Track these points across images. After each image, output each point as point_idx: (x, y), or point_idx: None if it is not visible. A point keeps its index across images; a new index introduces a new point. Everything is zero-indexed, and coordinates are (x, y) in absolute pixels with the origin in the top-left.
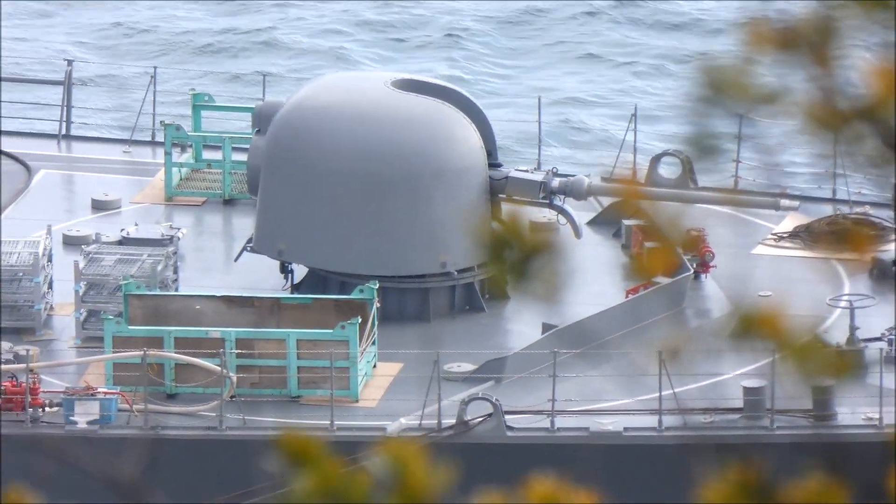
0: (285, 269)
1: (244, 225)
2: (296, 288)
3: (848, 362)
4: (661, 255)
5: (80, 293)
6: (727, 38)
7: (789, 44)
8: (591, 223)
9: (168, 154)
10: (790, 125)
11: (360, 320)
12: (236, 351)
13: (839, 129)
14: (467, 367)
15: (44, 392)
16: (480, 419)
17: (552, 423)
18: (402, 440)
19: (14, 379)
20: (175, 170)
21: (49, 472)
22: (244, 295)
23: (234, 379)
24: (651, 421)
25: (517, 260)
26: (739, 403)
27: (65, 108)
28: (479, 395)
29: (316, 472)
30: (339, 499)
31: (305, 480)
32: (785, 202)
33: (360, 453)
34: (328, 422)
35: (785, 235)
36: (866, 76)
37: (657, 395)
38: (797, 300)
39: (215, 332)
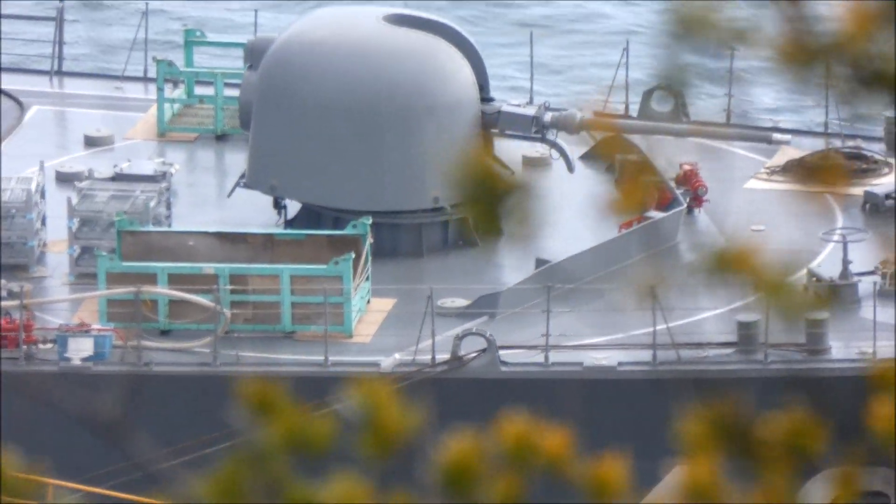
0: (278, 205)
1: (237, 160)
2: (289, 223)
3: (827, 296)
4: (654, 189)
5: (74, 230)
6: None
7: None
8: (584, 157)
9: (160, 90)
10: (765, 61)
11: (353, 256)
12: (230, 287)
13: (811, 66)
14: (461, 302)
15: (38, 329)
16: (474, 354)
17: (546, 357)
18: (372, 380)
19: (8, 316)
20: (167, 106)
21: (41, 410)
22: (237, 231)
23: (228, 315)
24: (644, 356)
25: (496, 198)
26: (733, 338)
27: (57, 45)
28: (473, 331)
29: (280, 420)
30: (304, 447)
31: (269, 429)
32: (777, 136)
33: (330, 395)
34: (322, 357)
35: (777, 169)
36: (838, 11)
37: (650, 329)
38: (790, 234)
39: (209, 268)
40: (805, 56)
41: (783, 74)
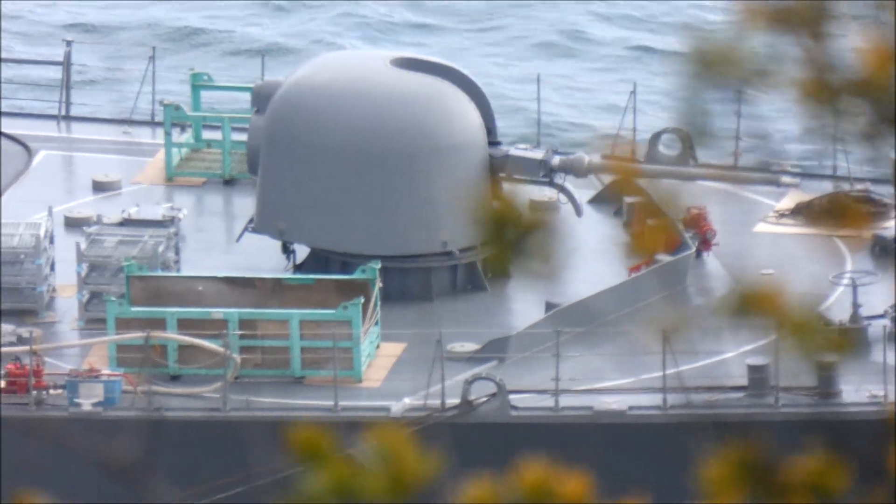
0: (287, 250)
1: (245, 205)
2: (298, 268)
3: (848, 339)
4: (661, 232)
5: (82, 275)
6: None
7: (782, 19)
8: (592, 201)
9: (168, 134)
10: (785, 100)
11: (362, 300)
12: (239, 332)
13: (832, 103)
14: (470, 346)
15: (47, 374)
16: (484, 399)
17: (556, 402)
18: (390, 425)
19: (17, 362)
20: (175, 150)
21: (51, 456)
22: (246, 276)
23: (238, 360)
24: (655, 400)
25: (515, 238)
26: (744, 381)
27: (64, 89)
28: (483, 375)
29: (328, 469)
30: (351, 496)
31: (318, 476)
32: (786, 179)
33: (348, 441)
34: (332, 403)
35: (786, 213)
36: (860, 50)
37: (661, 373)
38: (799, 278)
39: (218, 312)
40: (827, 93)
41: (804, 112)
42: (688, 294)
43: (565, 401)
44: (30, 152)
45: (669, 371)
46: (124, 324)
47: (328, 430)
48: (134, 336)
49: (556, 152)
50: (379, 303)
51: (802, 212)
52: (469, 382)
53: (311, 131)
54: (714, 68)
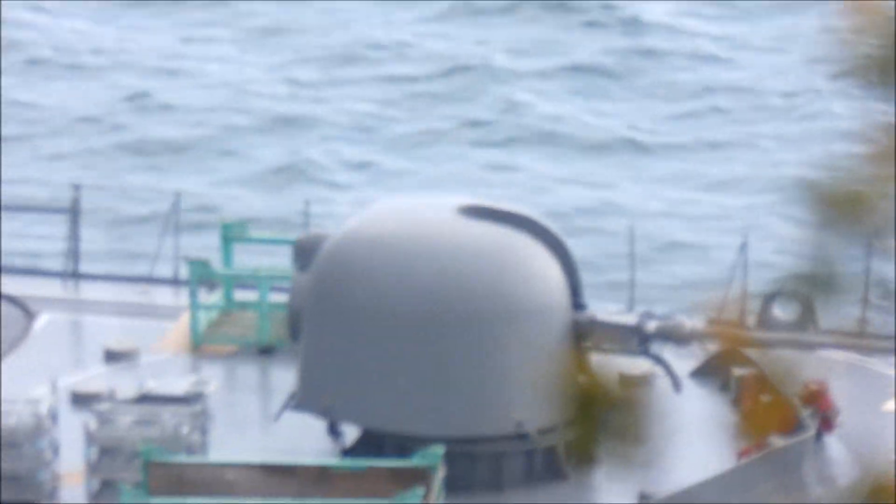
0: (334, 430)
1: (284, 378)
2: (346, 452)
3: None
4: (776, 411)
5: (92, 460)
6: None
7: None
8: (695, 374)
9: (193, 295)
10: None
11: (422, 491)
12: None
13: None
14: None
15: None
16: None
17: None
18: None
19: None
20: (202, 313)
21: None
22: (285, 462)
23: None
24: None
25: (603, 419)
26: None
27: (71, 241)
28: None
29: None
30: None
31: None
32: None
33: None
34: None
35: None
36: None
37: None
38: None
39: None
40: None
41: None
42: (805, 483)
43: None
44: (30, 315)
45: None
46: None
47: None
48: None
49: (651, 316)
50: (442, 494)
51: None
52: None
53: (364, 292)
54: (843, 214)
